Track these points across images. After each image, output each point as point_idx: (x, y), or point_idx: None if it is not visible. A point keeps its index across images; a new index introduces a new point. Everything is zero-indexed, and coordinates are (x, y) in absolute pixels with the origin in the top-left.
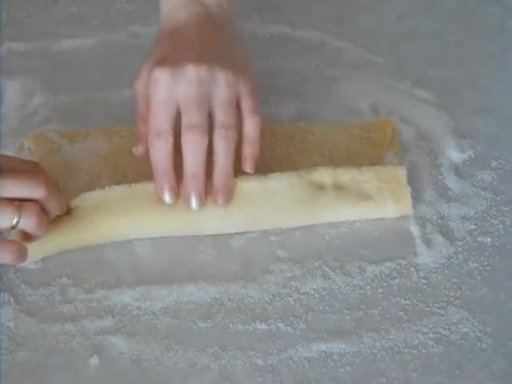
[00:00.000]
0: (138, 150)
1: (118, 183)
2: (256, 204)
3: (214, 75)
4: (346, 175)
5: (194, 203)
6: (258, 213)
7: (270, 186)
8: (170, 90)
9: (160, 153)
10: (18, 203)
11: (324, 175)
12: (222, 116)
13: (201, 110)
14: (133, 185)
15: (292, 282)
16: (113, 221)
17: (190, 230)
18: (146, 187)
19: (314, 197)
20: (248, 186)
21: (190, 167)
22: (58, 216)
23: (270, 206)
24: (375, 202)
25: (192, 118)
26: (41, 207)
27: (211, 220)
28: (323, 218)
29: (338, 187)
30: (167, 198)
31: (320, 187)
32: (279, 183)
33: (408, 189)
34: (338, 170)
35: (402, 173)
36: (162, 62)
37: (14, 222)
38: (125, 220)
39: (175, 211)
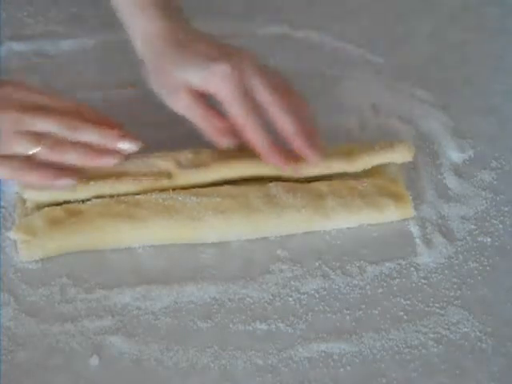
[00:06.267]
0: (229, 143)
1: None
2: (257, 213)
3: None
4: (343, 186)
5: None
6: (258, 222)
7: (271, 194)
8: (239, 81)
9: (259, 127)
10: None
11: (322, 186)
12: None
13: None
14: (137, 197)
15: (292, 282)
16: (116, 229)
17: (193, 239)
18: (150, 197)
19: (314, 204)
20: (249, 195)
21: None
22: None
23: (271, 215)
24: (377, 208)
25: (266, 97)
26: None
27: (213, 228)
28: (325, 226)
29: (338, 195)
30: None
31: (320, 195)
32: (280, 191)
33: (408, 192)
34: (336, 182)
35: (398, 176)
36: (210, 60)
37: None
38: (128, 229)
39: (179, 221)
